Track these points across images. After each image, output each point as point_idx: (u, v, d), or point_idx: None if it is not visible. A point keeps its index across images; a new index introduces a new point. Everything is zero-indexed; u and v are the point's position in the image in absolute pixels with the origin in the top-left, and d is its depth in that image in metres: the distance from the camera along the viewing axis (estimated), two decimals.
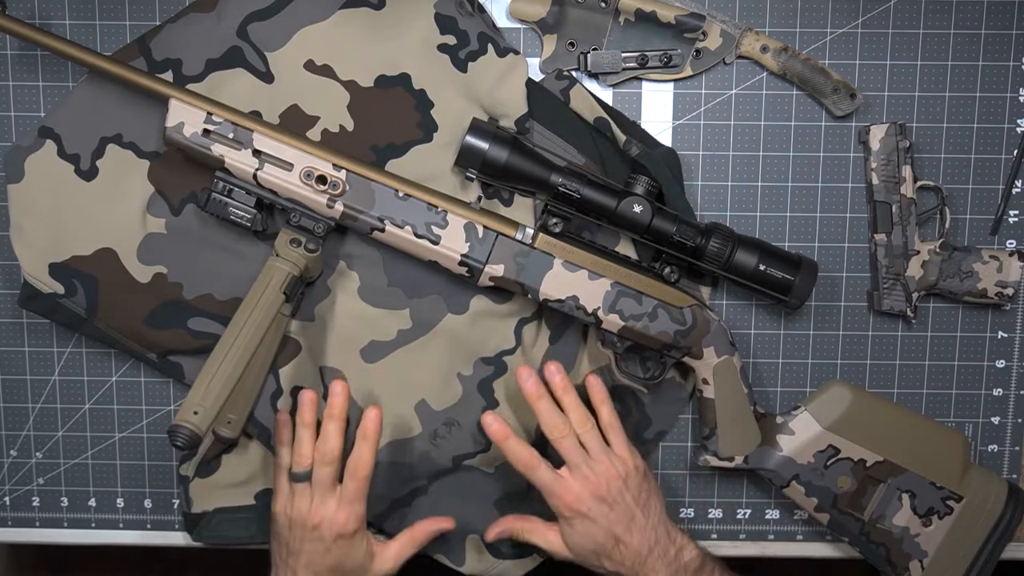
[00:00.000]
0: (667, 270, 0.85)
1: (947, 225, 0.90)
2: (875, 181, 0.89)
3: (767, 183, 0.92)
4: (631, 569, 0.83)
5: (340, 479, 0.83)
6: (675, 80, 0.90)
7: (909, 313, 0.91)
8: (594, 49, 0.89)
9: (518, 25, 0.90)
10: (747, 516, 0.96)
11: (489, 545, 0.91)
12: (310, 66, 0.84)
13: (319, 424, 0.84)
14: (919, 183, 0.89)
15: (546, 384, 0.84)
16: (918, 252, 0.89)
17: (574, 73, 0.90)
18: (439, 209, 0.82)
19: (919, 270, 0.90)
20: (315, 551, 0.82)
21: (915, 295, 0.90)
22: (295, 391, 0.87)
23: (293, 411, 0.86)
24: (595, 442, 0.84)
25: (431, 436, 0.89)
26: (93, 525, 0.97)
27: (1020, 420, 0.95)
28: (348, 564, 0.83)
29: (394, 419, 0.89)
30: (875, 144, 0.89)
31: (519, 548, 0.91)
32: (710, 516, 0.96)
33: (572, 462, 0.83)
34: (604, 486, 0.82)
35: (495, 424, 0.83)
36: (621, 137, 0.88)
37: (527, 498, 0.91)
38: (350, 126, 0.85)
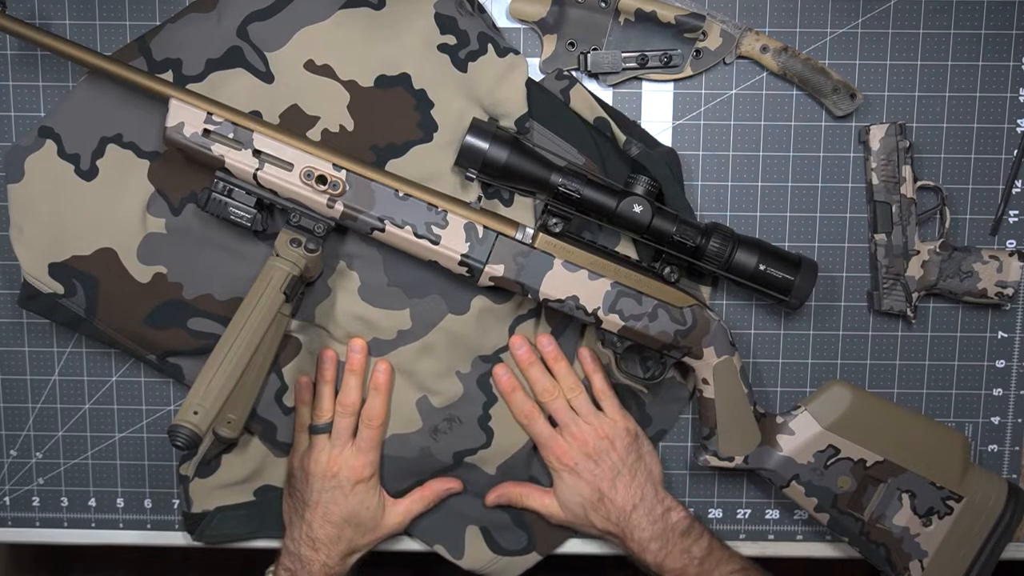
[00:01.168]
0: (667, 270, 0.85)
1: (947, 225, 0.90)
2: (875, 181, 0.89)
3: (767, 183, 0.92)
4: (617, 525, 0.87)
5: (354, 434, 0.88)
6: (675, 80, 0.90)
7: (909, 313, 0.91)
8: (594, 49, 0.88)
9: (518, 25, 0.90)
10: (747, 516, 0.96)
11: (489, 540, 0.92)
12: (310, 66, 0.84)
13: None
14: (919, 183, 0.89)
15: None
16: (918, 252, 0.89)
17: (574, 73, 0.89)
18: (439, 209, 0.82)
19: (919, 270, 0.90)
20: (332, 500, 0.86)
21: (915, 295, 0.90)
22: None
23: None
24: (585, 405, 0.88)
25: (431, 431, 0.89)
26: (93, 525, 0.97)
27: (1020, 420, 0.95)
28: (363, 514, 0.87)
29: (394, 414, 0.89)
30: (875, 144, 0.89)
31: (518, 547, 0.92)
32: (710, 516, 0.96)
33: (562, 421, 0.88)
34: (591, 443, 0.87)
35: (505, 377, 0.89)
36: (621, 137, 0.88)
37: None
38: (350, 126, 0.85)
